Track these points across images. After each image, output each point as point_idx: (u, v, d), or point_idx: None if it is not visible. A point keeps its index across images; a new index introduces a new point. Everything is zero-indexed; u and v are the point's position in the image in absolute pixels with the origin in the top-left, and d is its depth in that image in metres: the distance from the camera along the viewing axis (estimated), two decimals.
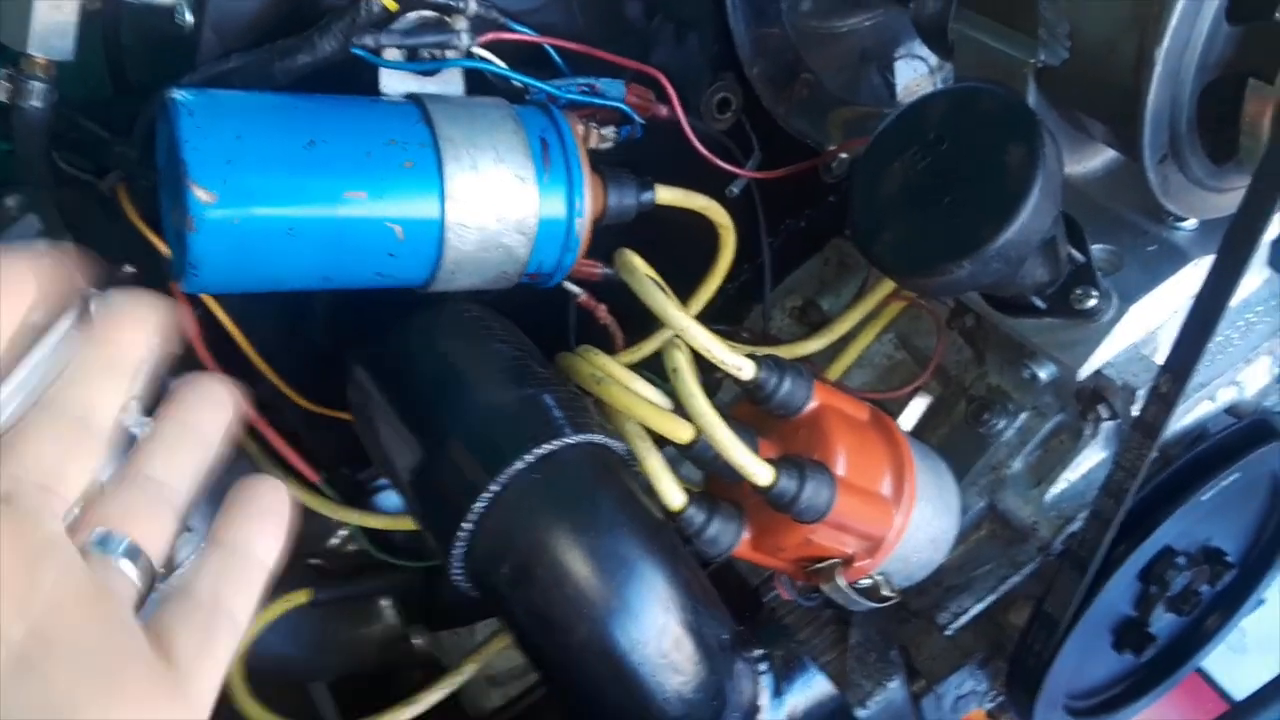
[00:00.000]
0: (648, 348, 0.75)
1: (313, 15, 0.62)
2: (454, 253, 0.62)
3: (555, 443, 0.59)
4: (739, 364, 0.63)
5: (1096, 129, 0.67)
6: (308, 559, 0.87)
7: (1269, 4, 0.56)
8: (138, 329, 0.35)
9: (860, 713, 0.75)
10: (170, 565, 0.35)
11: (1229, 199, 0.65)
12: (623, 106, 0.70)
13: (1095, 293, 0.65)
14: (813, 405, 0.66)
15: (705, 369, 0.63)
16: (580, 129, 0.67)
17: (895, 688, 0.76)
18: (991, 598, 0.73)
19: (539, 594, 0.59)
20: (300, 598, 0.82)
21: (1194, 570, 0.76)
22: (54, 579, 0.31)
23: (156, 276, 0.67)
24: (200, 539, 0.37)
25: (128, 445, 0.67)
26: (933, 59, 0.85)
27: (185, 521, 0.36)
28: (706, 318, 0.64)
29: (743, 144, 0.80)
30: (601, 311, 0.73)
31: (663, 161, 0.72)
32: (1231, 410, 0.76)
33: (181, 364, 0.69)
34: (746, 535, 0.65)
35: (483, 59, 0.65)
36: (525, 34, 0.68)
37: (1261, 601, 0.88)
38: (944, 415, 0.77)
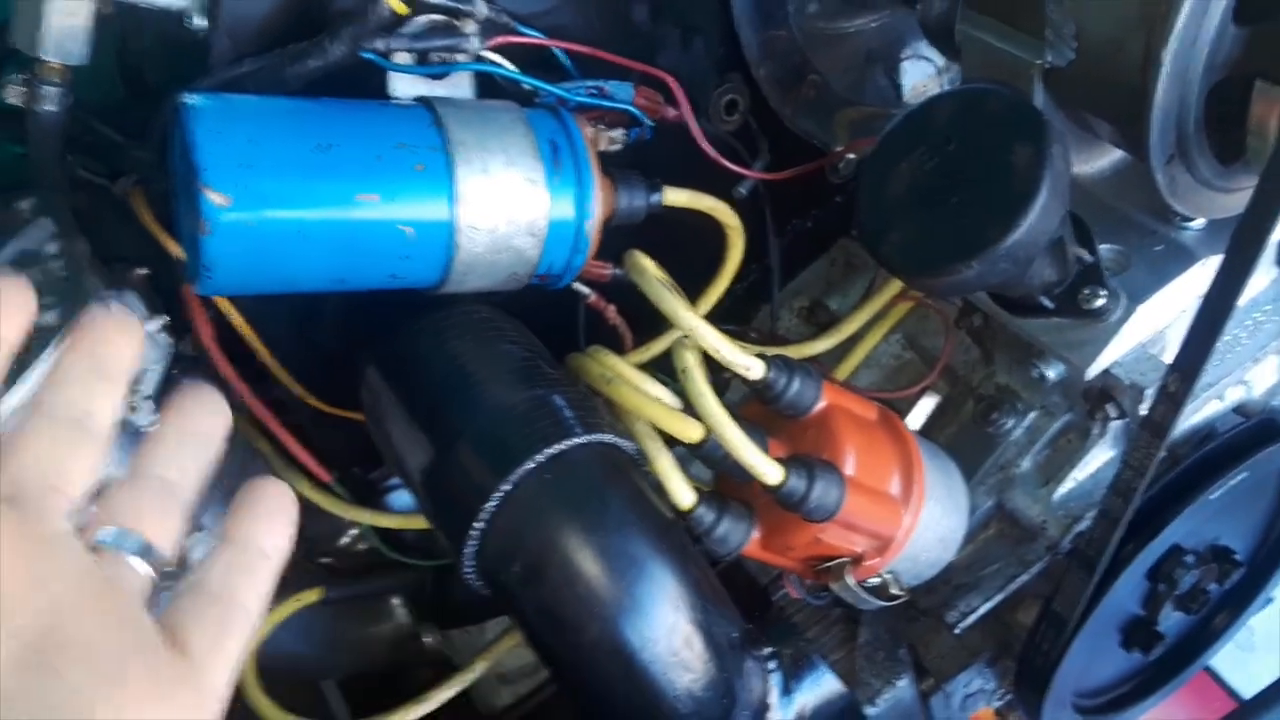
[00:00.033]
0: (656, 348, 0.75)
1: (323, 19, 0.62)
2: (465, 255, 0.62)
3: (566, 442, 0.60)
4: (748, 364, 0.63)
5: (1103, 129, 0.67)
6: (319, 558, 0.88)
7: (1277, 5, 0.56)
8: (124, 336, 0.36)
9: (869, 711, 0.75)
10: (181, 562, 0.36)
11: (1236, 199, 0.66)
12: (631, 109, 0.70)
13: (1103, 292, 0.65)
14: (821, 405, 0.66)
15: (713, 369, 0.63)
16: (589, 131, 0.67)
17: (904, 686, 0.76)
18: (1000, 596, 0.73)
19: (550, 592, 0.60)
20: (311, 596, 0.83)
21: (1202, 569, 0.76)
22: (63, 576, 0.31)
23: (168, 278, 0.68)
24: (212, 538, 0.38)
25: (136, 441, 0.68)
26: (939, 59, 0.85)
27: (192, 519, 0.36)
28: (714, 318, 0.64)
29: (750, 145, 0.80)
30: (611, 312, 0.74)
31: (671, 163, 0.72)
32: (1239, 409, 0.76)
33: (194, 364, 0.70)
34: (756, 534, 0.66)
35: (492, 62, 0.66)
36: (534, 37, 0.68)
37: (1270, 600, 0.88)
38: (952, 415, 0.78)
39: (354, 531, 0.87)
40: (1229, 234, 0.53)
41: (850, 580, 0.65)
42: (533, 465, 0.59)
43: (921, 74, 0.84)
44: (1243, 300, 0.53)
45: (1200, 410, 0.74)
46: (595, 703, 0.63)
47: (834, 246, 0.87)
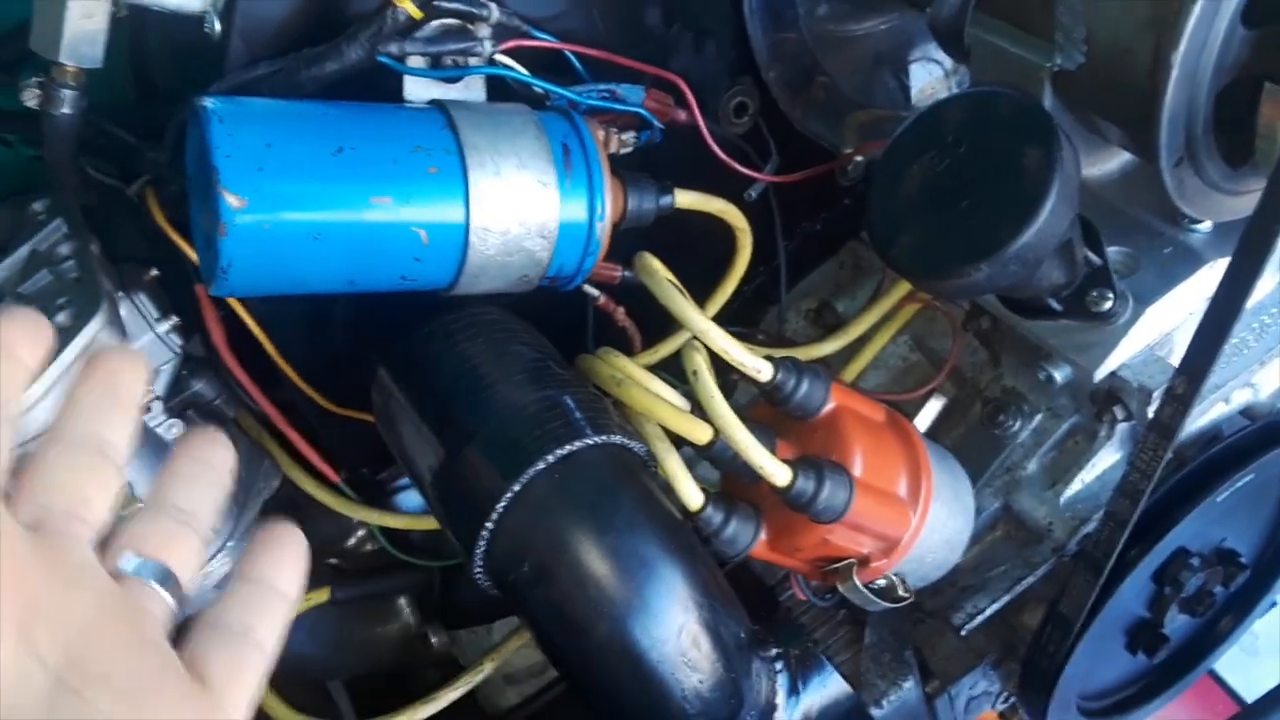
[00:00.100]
0: (665, 350, 0.76)
1: (338, 23, 0.62)
2: (477, 256, 0.63)
3: (575, 443, 0.60)
4: (758, 366, 0.63)
5: (1112, 132, 0.67)
6: (326, 558, 0.88)
7: None
8: (133, 368, 0.37)
9: (875, 712, 0.76)
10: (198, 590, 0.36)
11: (1244, 202, 0.66)
12: (642, 112, 0.71)
13: (1111, 295, 0.65)
14: (830, 406, 0.66)
15: (720, 371, 0.63)
16: (601, 134, 0.67)
17: (909, 688, 0.77)
18: (1006, 598, 0.73)
19: (559, 592, 0.60)
20: (319, 596, 0.83)
21: (1208, 571, 0.76)
22: (88, 603, 0.32)
23: (181, 280, 0.68)
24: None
25: (161, 450, 0.68)
26: (947, 62, 0.85)
27: (209, 550, 0.37)
28: (721, 320, 0.65)
29: (760, 148, 0.80)
30: (620, 314, 0.74)
31: (680, 165, 0.72)
32: (1246, 412, 0.77)
33: (204, 365, 0.70)
34: (764, 536, 0.66)
35: (505, 65, 0.66)
36: (546, 41, 0.68)
37: (1275, 604, 0.88)
38: (959, 417, 0.78)
39: (361, 532, 0.88)
40: (1237, 236, 0.53)
41: (857, 581, 0.65)
42: (543, 466, 0.59)
43: (930, 76, 0.85)
44: (1250, 303, 0.53)
45: (1207, 413, 0.74)
46: (603, 702, 0.64)
47: (842, 249, 0.87)
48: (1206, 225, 0.70)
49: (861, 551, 0.66)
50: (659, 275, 0.65)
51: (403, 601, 0.90)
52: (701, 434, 0.62)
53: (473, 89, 0.67)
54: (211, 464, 0.38)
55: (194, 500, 0.37)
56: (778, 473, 0.61)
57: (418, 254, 0.61)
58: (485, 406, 0.63)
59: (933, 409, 0.79)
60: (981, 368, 0.77)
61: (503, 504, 0.59)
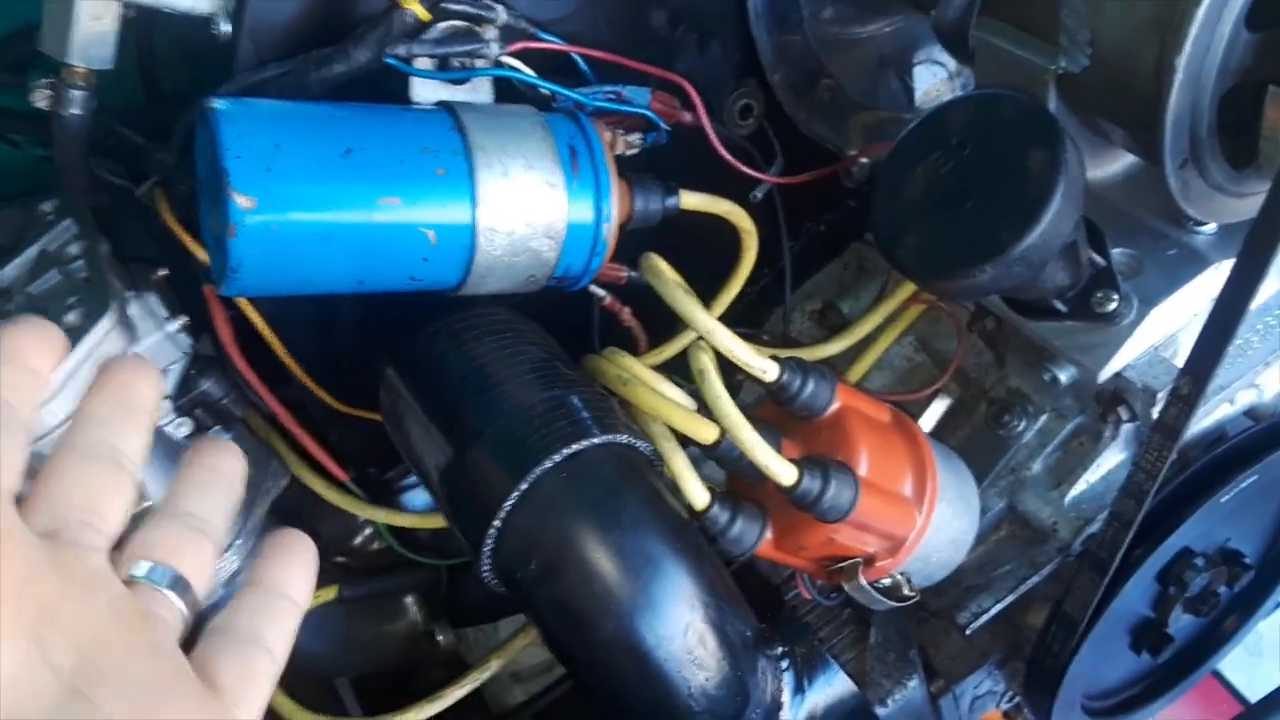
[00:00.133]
0: (671, 350, 0.76)
1: (347, 25, 0.63)
2: (484, 257, 0.63)
3: (582, 442, 0.60)
4: (764, 366, 0.63)
5: (1117, 134, 0.67)
6: (334, 557, 0.88)
7: None
8: (147, 379, 0.37)
9: (880, 711, 0.76)
10: (211, 597, 0.37)
11: (1249, 204, 0.66)
12: (648, 113, 0.71)
13: (1116, 296, 0.66)
14: (835, 406, 0.66)
15: (725, 371, 0.64)
16: (607, 136, 0.68)
17: (914, 687, 0.77)
18: (1011, 598, 0.73)
19: (566, 590, 0.60)
20: (327, 594, 0.83)
21: (1212, 571, 0.76)
22: (101, 610, 0.32)
23: (189, 279, 0.68)
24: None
25: (169, 448, 0.69)
26: (951, 64, 0.85)
27: (221, 557, 0.38)
28: (726, 321, 0.65)
29: (764, 150, 0.81)
30: (626, 314, 0.74)
31: (685, 167, 0.72)
32: (1250, 412, 0.77)
33: (214, 365, 0.71)
34: (769, 535, 0.66)
35: (512, 67, 0.67)
36: (553, 43, 0.69)
37: (1279, 605, 0.88)
38: (964, 417, 0.78)
39: (368, 531, 0.88)
40: (1241, 238, 0.53)
41: (863, 580, 0.66)
42: (550, 465, 0.60)
43: (934, 79, 0.85)
44: (1254, 304, 0.54)
45: (1211, 413, 0.74)
46: (610, 700, 0.64)
47: (846, 250, 0.87)
48: (1211, 227, 0.70)
49: (867, 551, 0.67)
50: (665, 276, 0.65)
51: (410, 600, 0.90)
52: (708, 433, 0.62)
53: (480, 91, 0.67)
54: (223, 472, 0.39)
55: (206, 508, 0.37)
56: (783, 472, 0.61)
57: (425, 254, 0.62)
58: (492, 406, 0.63)
59: (938, 409, 0.79)
60: (986, 369, 0.77)
61: (510, 503, 0.60)
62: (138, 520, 0.36)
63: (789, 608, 0.78)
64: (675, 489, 0.63)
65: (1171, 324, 0.69)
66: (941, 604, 0.76)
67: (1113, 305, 0.66)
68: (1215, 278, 0.69)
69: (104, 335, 0.62)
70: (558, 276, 0.68)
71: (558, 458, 0.60)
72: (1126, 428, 0.70)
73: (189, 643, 0.35)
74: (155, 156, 0.66)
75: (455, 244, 0.62)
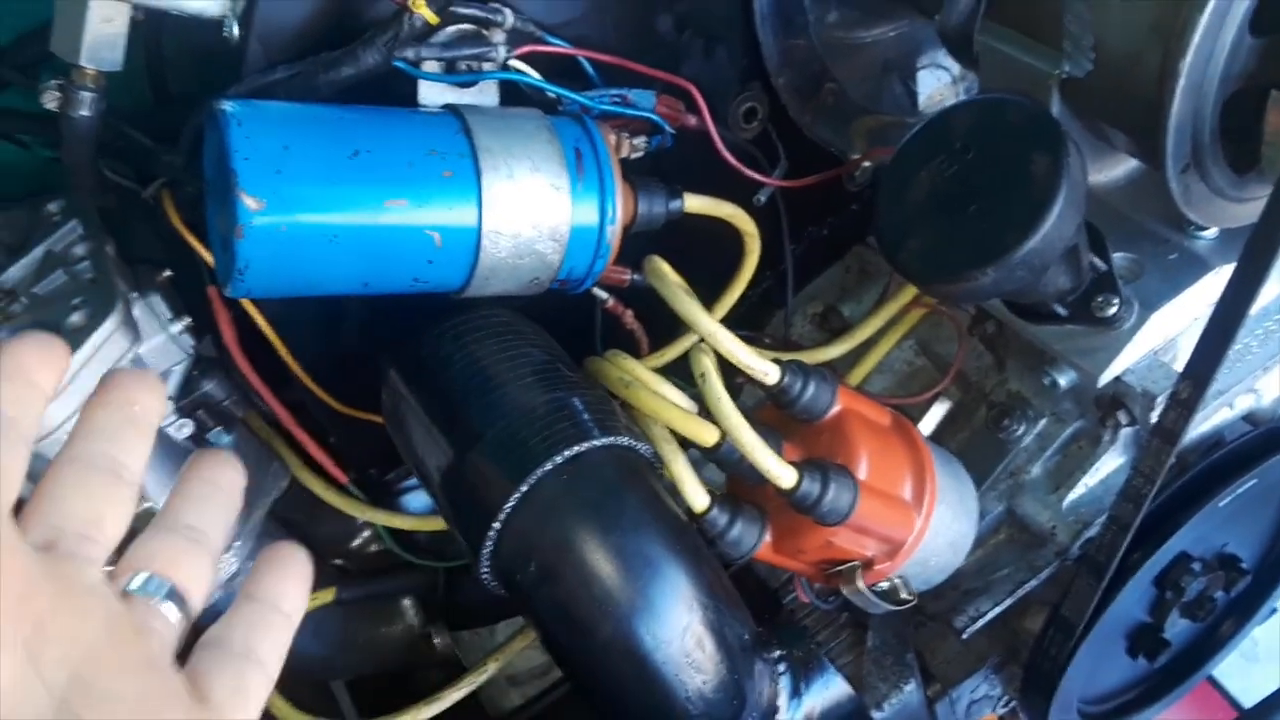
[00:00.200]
0: (672, 352, 0.76)
1: (355, 28, 0.63)
2: (489, 259, 0.63)
3: (583, 445, 0.61)
4: (765, 369, 0.64)
5: (1119, 139, 0.68)
6: (332, 559, 0.88)
7: None
8: (150, 392, 0.37)
9: (876, 714, 0.76)
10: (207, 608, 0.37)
11: (1250, 209, 0.66)
12: (653, 117, 0.71)
13: (1116, 300, 0.66)
14: (836, 410, 0.67)
15: (727, 373, 0.64)
16: (612, 139, 0.68)
17: (911, 691, 0.77)
18: (1008, 602, 0.73)
19: (565, 592, 0.60)
20: (324, 597, 0.83)
21: (1209, 576, 0.77)
22: (96, 625, 0.32)
23: (194, 280, 0.68)
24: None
25: (170, 450, 0.69)
26: (955, 69, 0.86)
27: (218, 569, 0.38)
28: (728, 324, 0.65)
29: (768, 153, 0.81)
30: (628, 317, 0.75)
31: (691, 170, 0.73)
32: (1249, 417, 0.77)
33: (217, 366, 0.71)
34: (768, 538, 0.66)
35: (519, 71, 0.67)
36: (560, 46, 0.69)
37: (1275, 610, 0.88)
38: (964, 421, 0.78)
39: (366, 533, 0.88)
40: (1242, 243, 0.53)
41: (861, 584, 0.66)
42: (550, 467, 0.60)
43: (938, 83, 0.85)
44: (1254, 309, 0.54)
45: (1210, 418, 0.74)
46: (607, 702, 0.64)
47: (848, 254, 0.88)
48: (1212, 231, 0.71)
49: (865, 554, 0.67)
50: (668, 279, 0.65)
51: (407, 602, 0.90)
52: (708, 436, 0.62)
53: (486, 94, 0.67)
54: (221, 485, 0.39)
55: (204, 520, 0.37)
56: (783, 475, 0.62)
57: (431, 256, 0.62)
58: (494, 408, 0.63)
59: (937, 413, 0.79)
60: (986, 372, 0.78)
61: (510, 504, 0.60)
62: (136, 524, 0.36)
63: (787, 611, 0.78)
64: (675, 491, 0.63)
65: (1171, 328, 0.69)
66: (939, 608, 0.76)
67: (1113, 309, 0.66)
68: (1216, 282, 0.69)
69: (108, 336, 0.63)
70: (561, 279, 0.68)
71: (559, 460, 0.60)
72: (1125, 432, 0.71)
73: (185, 650, 0.35)
74: (163, 158, 0.66)
75: (460, 246, 0.62)
